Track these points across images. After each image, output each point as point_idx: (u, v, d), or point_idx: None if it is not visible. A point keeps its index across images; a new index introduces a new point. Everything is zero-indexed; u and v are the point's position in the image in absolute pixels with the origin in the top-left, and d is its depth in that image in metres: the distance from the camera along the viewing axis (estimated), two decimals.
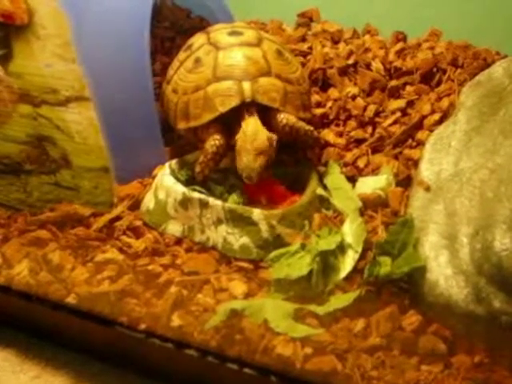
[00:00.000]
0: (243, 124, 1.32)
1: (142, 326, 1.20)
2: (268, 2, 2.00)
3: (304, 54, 1.68)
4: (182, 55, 1.47)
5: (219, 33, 1.44)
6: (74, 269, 1.28)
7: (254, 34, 1.44)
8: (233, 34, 1.43)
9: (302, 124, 1.37)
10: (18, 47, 1.34)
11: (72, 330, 1.30)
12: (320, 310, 1.14)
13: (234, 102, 1.34)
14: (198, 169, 1.35)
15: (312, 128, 1.39)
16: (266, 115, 1.36)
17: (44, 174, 1.39)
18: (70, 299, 1.25)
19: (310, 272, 1.18)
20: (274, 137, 1.31)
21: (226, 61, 1.38)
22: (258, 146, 1.29)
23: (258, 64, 1.38)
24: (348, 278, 1.19)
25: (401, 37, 1.68)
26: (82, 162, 1.37)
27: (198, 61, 1.41)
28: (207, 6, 1.75)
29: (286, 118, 1.35)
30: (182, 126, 1.40)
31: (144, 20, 1.39)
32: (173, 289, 1.21)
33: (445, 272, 1.13)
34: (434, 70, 1.56)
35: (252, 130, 1.31)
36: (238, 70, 1.36)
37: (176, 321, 1.18)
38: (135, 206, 1.38)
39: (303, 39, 1.75)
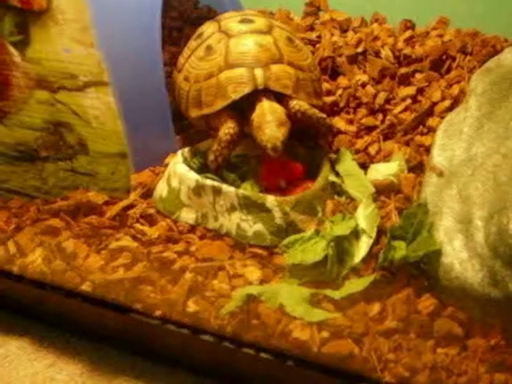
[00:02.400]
0: (258, 105, 1.32)
1: (158, 313, 1.20)
2: None
3: (313, 43, 1.69)
4: (192, 44, 1.47)
5: (230, 21, 1.45)
6: (87, 257, 1.29)
7: (264, 21, 1.44)
8: (244, 21, 1.43)
9: (314, 111, 1.37)
10: (35, 33, 1.34)
11: (87, 317, 1.30)
12: (336, 294, 1.14)
13: (246, 89, 1.34)
14: (211, 157, 1.35)
15: (325, 115, 1.39)
16: (278, 102, 1.35)
17: (60, 160, 1.39)
18: (85, 287, 1.25)
19: (325, 257, 1.19)
20: (286, 111, 1.33)
21: (237, 48, 1.38)
22: (278, 117, 1.30)
23: (270, 51, 1.38)
24: (363, 262, 1.20)
25: (409, 25, 1.69)
26: (99, 147, 1.37)
27: (209, 48, 1.41)
28: None
29: (298, 104, 1.35)
30: (194, 113, 1.41)
31: (155, 7, 1.39)
32: (187, 275, 1.21)
33: (460, 255, 1.13)
34: (444, 57, 1.57)
35: (268, 104, 1.32)
36: (250, 57, 1.37)
37: (192, 307, 1.18)
38: (148, 194, 1.38)
39: (311, 28, 1.76)
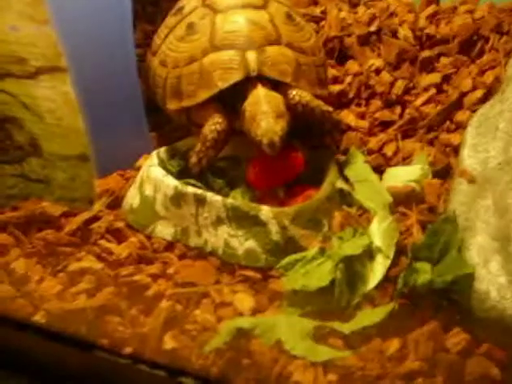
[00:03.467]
0: (252, 92, 1.31)
1: (128, 350, 1.18)
2: None
3: (316, 20, 1.71)
4: (170, 20, 1.46)
5: None
6: (42, 280, 1.27)
7: None
8: None
9: (318, 103, 1.36)
10: None
11: (41, 355, 1.27)
12: (345, 327, 1.13)
13: (236, 76, 1.33)
14: (194, 159, 1.34)
15: (331, 108, 1.39)
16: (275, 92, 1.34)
17: (7, 163, 1.38)
18: (38, 317, 1.23)
19: (332, 282, 1.18)
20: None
21: (225, 26, 1.37)
22: (276, 108, 1.29)
23: (265, 30, 1.37)
24: (378, 288, 1.19)
25: None
26: (54, 148, 1.36)
27: (191, 26, 1.40)
28: None
29: (299, 94, 1.35)
30: (172, 105, 1.39)
31: None
32: (164, 304, 1.20)
33: (497, 281, 1.12)
34: (475, 37, 1.57)
35: (263, 92, 1.31)
36: (241, 38, 1.36)
37: (169, 343, 1.16)
38: (115, 204, 1.38)
39: (315, 2, 1.77)
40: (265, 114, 1.28)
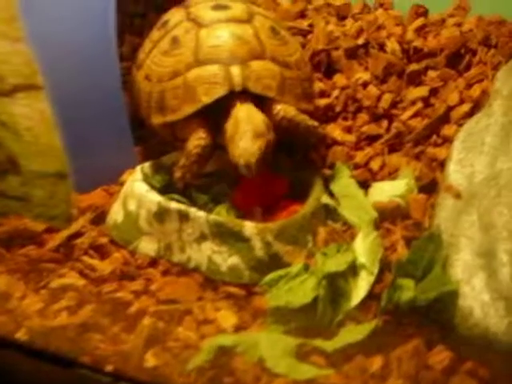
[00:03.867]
0: (233, 111, 1.31)
1: (109, 368, 1.16)
2: None
3: (304, 33, 1.69)
4: (155, 34, 1.46)
5: (201, 7, 1.43)
6: (24, 297, 1.26)
7: (243, 7, 1.43)
8: (217, 8, 1.42)
9: (303, 117, 1.36)
10: None
11: (23, 372, 1.27)
12: (328, 345, 1.12)
13: (220, 91, 1.33)
14: (178, 174, 1.34)
15: (316, 123, 1.38)
16: (259, 107, 1.34)
17: None
18: (20, 335, 1.22)
19: (315, 299, 1.17)
20: (270, 122, 1.31)
21: (209, 41, 1.37)
22: (255, 127, 1.28)
23: (249, 44, 1.37)
24: (362, 305, 1.18)
25: (421, 11, 1.70)
26: (33, 165, 1.35)
27: (175, 41, 1.39)
28: None
29: (283, 109, 1.34)
30: (157, 120, 1.39)
31: None
32: (146, 321, 1.19)
33: (481, 298, 1.12)
34: (462, 50, 1.57)
35: (244, 112, 1.30)
36: (225, 52, 1.35)
37: (151, 360, 1.15)
38: (99, 219, 1.38)
39: (302, 15, 1.76)
40: (242, 133, 1.27)
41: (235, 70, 1.33)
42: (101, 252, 1.32)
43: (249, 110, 1.31)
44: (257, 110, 1.31)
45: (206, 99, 1.33)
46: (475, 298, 1.12)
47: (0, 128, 1.33)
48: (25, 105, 1.31)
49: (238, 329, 1.18)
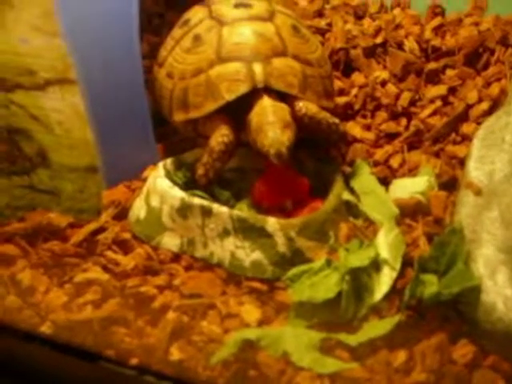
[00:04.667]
0: (257, 104, 1.31)
1: (134, 361, 1.17)
2: None
3: (322, 32, 1.71)
4: (177, 32, 1.46)
5: (223, 5, 1.44)
6: (48, 291, 1.27)
7: (264, 5, 1.43)
8: (239, 5, 1.42)
9: (324, 115, 1.36)
10: None
11: (46, 366, 1.27)
12: (352, 339, 1.13)
13: (243, 88, 1.33)
14: (200, 171, 1.34)
15: (337, 120, 1.38)
16: None
17: (15, 174, 1.38)
18: (45, 328, 1.23)
19: (339, 294, 1.17)
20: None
21: (232, 38, 1.37)
22: (283, 117, 1.29)
23: (271, 42, 1.37)
24: (385, 300, 1.18)
25: (438, 11, 1.71)
26: (63, 159, 1.35)
27: (197, 38, 1.40)
28: None
29: (305, 106, 1.34)
30: (179, 117, 1.39)
31: None
32: (170, 315, 1.20)
33: (504, 293, 1.12)
34: (480, 50, 1.58)
35: (269, 103, 1.31)
36: (248, 50, 1.36)
37: (175, 354, 1.16)
38: (122, 215, 1.38)
39: (320, 14, 1.78)
40: (271, 124, 1.28)
41: (257, 68, 1.34)
42: (124, 247, 1.32)
43: (273, 102, 1.31)
44: (280, 102, 1.32)
45: (229, 96, 1.33)
46: (498, 293, 1.12)
47: (31, 121, 1.34)
48: (57, 99, 1.31)
49: (262, 323, 1.18)
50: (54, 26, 1.28)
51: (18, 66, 1.33)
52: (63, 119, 1.33)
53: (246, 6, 1.42)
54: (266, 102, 1.31)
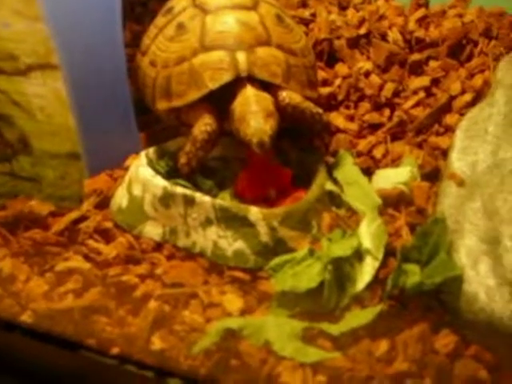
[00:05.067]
0: (240, 93, 1.31)
1: (115, 350, 1.17)
2: None
3: (306, 22, 1.70)
4: (160, 20, 1.46)
5: None
6: (28, 280, 1.26)
7: None
8: None
9: (308, 104, 1.36)
10: None
11: (27, 355, 1.27)
12: (334, 329, 1.13)
13: (226, 77, 1.33)
14: (183, 159, 1.33)
15: (321, 110, 1.38)
16: None
17: None
18: (25, 317, 1.23)
19: (321, 284, 1.17)
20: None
21: (215, 27, 1.37)
22: (265, 107, 1.28)
23: (255, 31, 1.37)
24: (367, 290, 1.19)
25: (422, 2, 1.71)
26: (45, 145, 1.34)
27: (181, 27, 1.39)
28: None
29: (289, 96, 1.34)
30: (162, 105, 1.39)
31: None
32: (152, 304, 1.19)
33: (486, 283, 1.12)
34: (464, 41, 1.58)
35: (253, 93, 1.30)
36: (231, 38, 1.35)
37: (157, 343, 1.16)
38: (103, 203, 1.37)
39: (304, 4, 1.77)
40: (254, 113, 1.27)
41: (241, 56, 1.33)
42: (105, 236, 1.32)
43: (256, 91, 1.31)
44: (263, 92, 1.32)
45: (212, 85, 1.33)
46: (480, 283, 1.12)
47: (13, 107, 1.33)
48: (39, 84, 1.30)
49: (244, 313, 1.18)
50: (36, 9, 1.26)
51: (0, 51, 1.32)
52: (45, 105, 1.32)
53: None
54: (249, 91, 1.31)
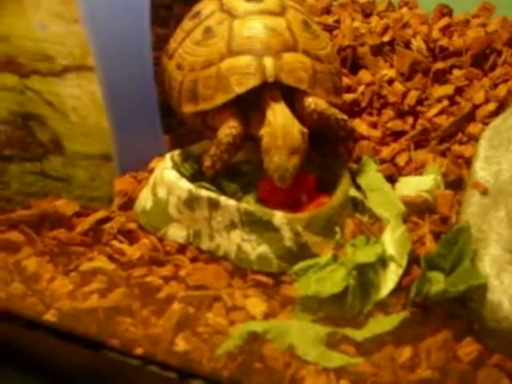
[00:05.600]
0: (268, 113, 1.30)
1: (139, 351, 1.18)
2: None
3: (329, 29, 1.70)
4: (187, 24, 1.46)
5: None
6: (53, 279, 1.26)
7: (275, 0, 1.42)
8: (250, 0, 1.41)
9: (333, 111, 1.36)
10: (4, 3, 1.30)
11: (51, 354, 1.27)
12: (358, 335, 1.13)
13: (253, 82, 1.32)
14: (208, 162, 1.33)
15: (346, 117, 1.38)
16: (290, 98, 1.34)
17: (27, 160, 1.37)
18: (49, 316, 1.23)
19: (345, 289, 1.17)
20: (306, 130, 1.30)
21: (243, 31, 1.37)
22: (291, 144, 1.28)
23: (282, 36, 1.37)
24: (391, 296, 1.18)
25: (446, 11, 1.71)
26: (77, 146, 1.35)
27: (208, 31, 1.39)
28: None
29: (314, 102, 1.34)
30: (188, 109, 1.39)
31: None
32: (176, 306, 1.19)
33: (510, 292, 1.12)
34: (487, 51, 1.58)
35: (281, 122, 1.29)
36: (259, 43, 1.35)
37: (180, 345, 1.16)
38: (128, 205, 1.37)
39: (328, 11, 1.77)
40: (278, 149, 1.27)
41: (268, 62, 1.33)
42: (129, 237, 1.32)
43: (285, 117, 1.30)
44: (293, 117, 1.31)
45: (239, 89, 1.33)
46: (504, 292, 1.12)
47: (46, 108, 1.33)
48: (74, 85, 1.30)
49: (267, 316, 1.18)
50: (74, 12, 1.27)
51: (36, 52, 1.32)
52: (79, 106, 1.32)
53: (258, 0, 1.41)
54: (278, 118, 1.30)
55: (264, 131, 1.30)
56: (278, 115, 1.30)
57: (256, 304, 1.20)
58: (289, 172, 1.26)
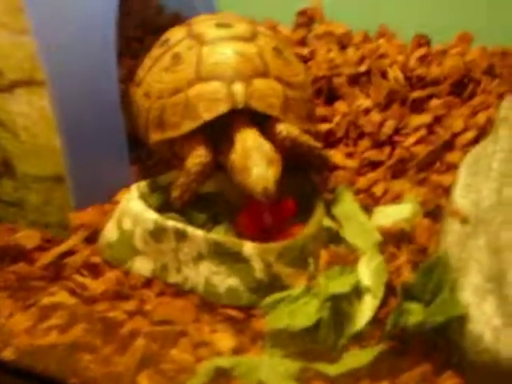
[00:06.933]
0: (238, 136, 1.28)
1: None
2: None
3: (304, 60, 1.70)
4: (155, 51, 1.45)
5: (204, 24, 1.42)
6: (11, 315, 1.24)
7: (247, 26, 1.41)
8: (221, 26, 1.40)
9: (306, 138, 1.34)
10: None
11: None
12: (331, 370, 1.09)
13: (222, 108, 1.30)
14: (175, 193, 1.31)
15: (319, 144, 1.36)
16: (262, 126, 1.32)
17: None
18: (7, 353, 1.19)
19: (318, 322, 1.14)
20: (279, 155, 1.28)
21: (212, 57, 1.35)
22: (266, 155, 1.25)
23: (253, 62, 1.34)
24: (366, 329, 1.16)
25: (423, 41, 1.70)
26: (28, 168, 1.32)
27: (176, 57, 1.37)
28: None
29: (286, 129, 1.32)
30: (155, 137, 1.36)
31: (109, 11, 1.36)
32: (140, 342, 1.16)
33: (491, 322, 1.08)
34: (466, 80, 1.58)
35: (252, 141, 1.27)
36: (228, 69, 1.33)
37: (143, 383, 1.13)
38: (92, 238, 1.35)
39: (303, 42, 1.77)
40: (256, 161, 1.24)
41: (238, 88, 1.31)
42: (93, 271, 1.30)
43: (255, 137, 1.28)
44: (262, 136, 1.29)
45: (207, 116, 1.30)
46: (486, 323, 1.08)
47: None
48: (24, 102, 1.27)
49: (237, 352, 1.15)
50: (22, 22, 1.23)
51: None
52: (29, 124, 1.29)
53: (228, 26, 1.40)
54: (247, 139, 1.27)
55: (234, 156, 1.27)
56: (248, 140, 1.27)
57: (224, 339, 1.17)
58: (270, 182, 1.22)
